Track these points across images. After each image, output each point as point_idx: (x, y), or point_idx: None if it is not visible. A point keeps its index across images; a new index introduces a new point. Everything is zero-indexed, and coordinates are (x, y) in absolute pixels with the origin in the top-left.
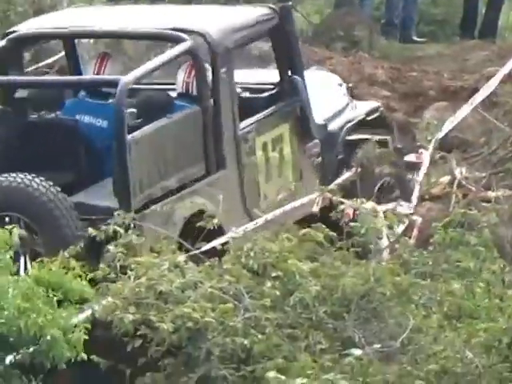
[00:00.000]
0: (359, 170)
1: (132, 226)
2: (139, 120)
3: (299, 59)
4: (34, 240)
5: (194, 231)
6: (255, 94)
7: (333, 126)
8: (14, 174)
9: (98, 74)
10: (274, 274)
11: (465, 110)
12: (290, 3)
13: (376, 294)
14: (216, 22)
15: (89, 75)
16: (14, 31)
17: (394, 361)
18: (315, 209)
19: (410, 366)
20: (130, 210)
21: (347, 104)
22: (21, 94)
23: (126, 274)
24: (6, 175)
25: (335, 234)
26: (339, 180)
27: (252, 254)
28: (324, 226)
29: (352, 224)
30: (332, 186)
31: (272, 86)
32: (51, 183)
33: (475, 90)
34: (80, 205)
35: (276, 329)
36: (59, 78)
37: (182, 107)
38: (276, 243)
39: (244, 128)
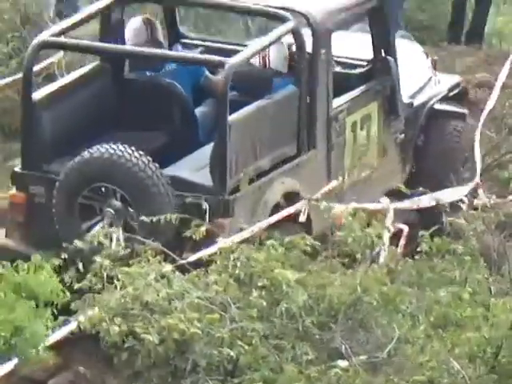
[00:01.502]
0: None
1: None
2: (235, 93)
3: (393, 40)
4: (128, 212)
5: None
6: (348, 70)
7: (416, 102)
8: (114, 146)
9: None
10: (260, 284)
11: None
12: None
13: (363, 303)
14: (319, 2)
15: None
16: None
17: (381, 371)
18: (302, 219)
19: (396, 376)
20: (225, 189)
21: (431, 78)
22: None
23: (112, 283)
24: (106, 146)
25: (320, 244)
26: (325, 189)
27: (238, 263)
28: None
29: (339, 233)
30: (317, 195)
31: (365, 63)
32: (150, 159)
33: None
34: (174, 179)
35: (263, 339)
36: (164, 52)
37: (279, 85)
38: (262, 252)
39: (336, 108)
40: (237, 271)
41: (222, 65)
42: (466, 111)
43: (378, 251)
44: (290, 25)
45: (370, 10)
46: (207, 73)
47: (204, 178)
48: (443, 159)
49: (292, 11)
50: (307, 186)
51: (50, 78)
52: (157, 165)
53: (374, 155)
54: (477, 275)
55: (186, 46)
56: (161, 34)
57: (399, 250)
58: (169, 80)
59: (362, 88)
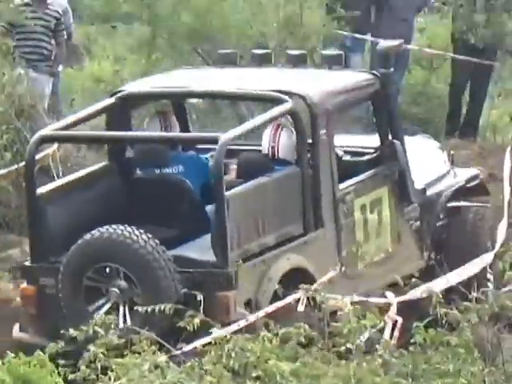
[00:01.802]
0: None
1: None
2: (240, 180)
3: (399, 124)
4: (133, 291)
5: (290, 287)
6: (356, 157)
7: (432, 192)
8: (114, 226)
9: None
10: (254, 375)
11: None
12: (392, 69)
13: None
14: (317, 84)
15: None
16: (121, 90)
17: None
18: (300, 308)
19: None
20: (227, 262)
21: (448, 171)
22: (128, 152)
23: (106, 374)
24: (107, 227)
25: (316, 334)
26: (324, 278)
27: (233, 354)
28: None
29: (334, 324)
30: (316, 286)
31: (372, 150)
32: (150, 236)
33: None
34: (178, 258)
35: None
36: (162, 134)
37: (281, 169)
38: (257, 343)
39: (342, 189)
40: (231, 362)
41: (215, 140)
42: (488, 205)
43: (369, 340)
44: (287, 106)
45: (373, 93)
46: None
47: (207, 255)
48: (465, 250)
49: (289, 93)
50: (316, 264)
51: (44, 170)
52: (157, 241)
53: (388, 240)
54: (471, 367)
55: (198, 150)
56: (177, 129)
57: (393, 341)
58: (178, 177)
59: (369, 172)
